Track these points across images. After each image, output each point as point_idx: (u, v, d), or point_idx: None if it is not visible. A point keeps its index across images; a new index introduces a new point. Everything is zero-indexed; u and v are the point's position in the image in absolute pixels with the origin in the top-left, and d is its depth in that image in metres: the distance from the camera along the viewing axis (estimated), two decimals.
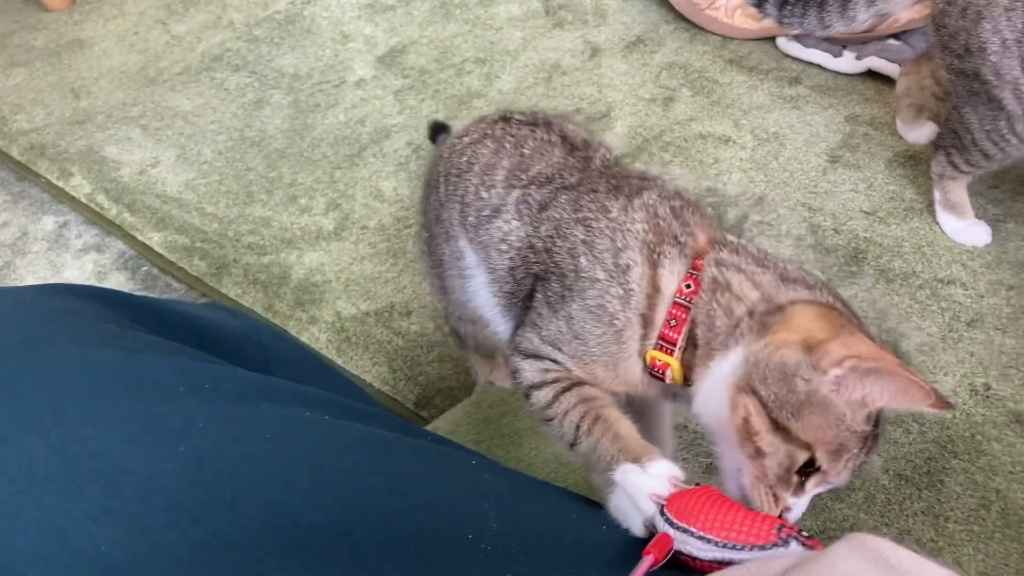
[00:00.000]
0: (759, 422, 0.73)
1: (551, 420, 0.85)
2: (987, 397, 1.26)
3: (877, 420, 0.74)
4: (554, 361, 0.87)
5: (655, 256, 0.82)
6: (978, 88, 1.29)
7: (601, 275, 0.83)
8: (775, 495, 0.74)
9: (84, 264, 1.68)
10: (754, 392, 0.73)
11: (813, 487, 0.74)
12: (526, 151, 0.99)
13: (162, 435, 0.61)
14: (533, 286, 0.91)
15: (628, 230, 0.84)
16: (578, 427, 0.83)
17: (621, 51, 1.95)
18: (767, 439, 0.72)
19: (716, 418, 0.78)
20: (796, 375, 0.72)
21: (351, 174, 1.74)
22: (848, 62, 1.80)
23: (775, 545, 0.60)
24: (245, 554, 0.56)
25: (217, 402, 0.64)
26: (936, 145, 1.44)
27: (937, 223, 1.48)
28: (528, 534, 0.62)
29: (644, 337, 0.83)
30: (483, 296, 1.00)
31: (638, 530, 0.67)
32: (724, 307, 0.79)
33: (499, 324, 0.99)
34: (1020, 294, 1.37)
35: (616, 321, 0.83)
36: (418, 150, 1.76)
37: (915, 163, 1.59)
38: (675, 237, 0.83)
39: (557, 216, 0.89)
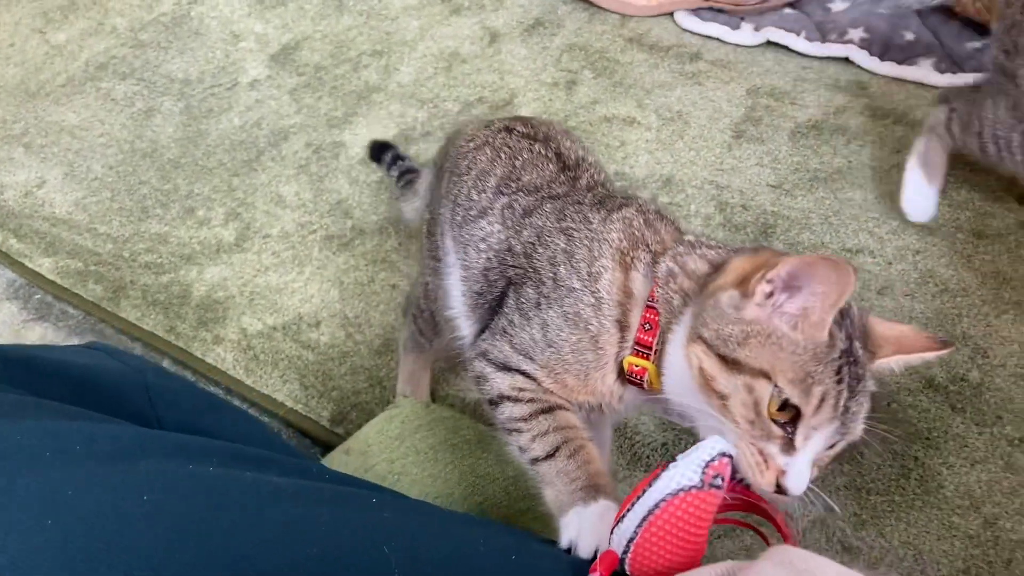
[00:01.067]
0: (710, 364, 0.72)
1: (520, 433, 0.85)
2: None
3: (851, 353, 0.72)
4: (525, 375, 0.87)
5: (627, 261, 0.83)
6: (1011, 90, 1.25)
7: (577, 284, 0.84)
8: (762, 454, 0.70)
9: None
10: (700, 338, 0.74)
11: (804, 440, 0.70)
12: (519, 162, 1.02)
13: (27, 508, 0.56)
14: (505, 291, 0.92)
15: (604, 239, 0.85)
16: (556, 449, 0.83)
17: (520, 35, 1.91)
18: (722, 379, 0.72)
19: (682, 387, 0.77)
20: (730, 308, 0.73)
21: (250, 181, 1.68)
22: (747, 34, 1.80)
23: None
24: None
25: (89, 465, 0.60)
26: (946, 98, 1.42)
27: (842, 193, 1.49)
28: (433, 573, 0.59)
29: (621, 342, 0.84)
30: (454, 294, 1.01)
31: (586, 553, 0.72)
32: (677, 289, 0.80)
33: (463, 325, 1.00)
34: (927, 258, 1.38)
35: (591, 327, 0.83)
36: (318, 151, 1.71)
37: (818, 132, 1.60)
38: (647, 245, 0.84)
39: (540, 224, 0.91)
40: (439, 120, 1.74)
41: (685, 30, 1.86)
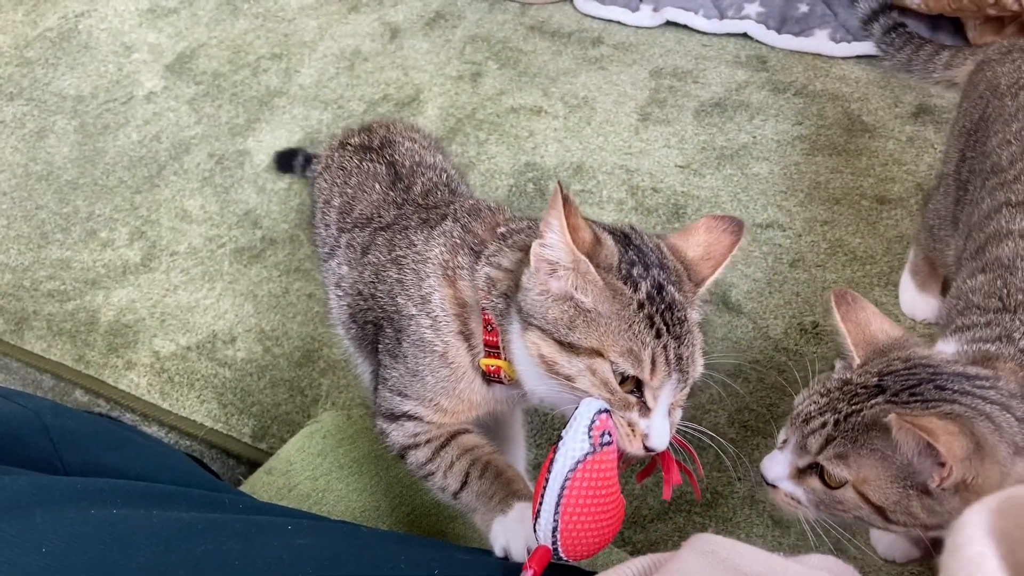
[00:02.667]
0: (549, 349, 0.72)
1: (432, 475, 0.85)
2: (816, 335, 1.29)
3: (662, 299, 0.71)
4: (409, 417, 0.86)
5: (451, 275, 0.82)
6: (964, 177, 1.10)
7: (414, 310, 0.83)
8: (628, 423, 0.71)
9: None
10: (532, 327, 0.73)
11: (654, 400, 0.71)
12: (350, 189, 1.01)
13: None
14: (376, 336, 0.91)
15: (427, 259, 0.84)
16: (467, 475, 0.83)
17: (422, 29, 1.89)
18: (564, 362, 0.71)
19: (533, 375, 0.76)
20: (534, 288, 0.72)
21: (153, 197, 1.63)
22: (646, 16, 1.80)
23: None
24: None
25: None
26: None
27: (749, 169, 1.51)
28: None
29: (471, 350, 0.83)
30: (340, 333, 1.01)
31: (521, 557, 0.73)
32: (498, 293, 0.78)
33: (359, 366, 1.00)
34: (834, 228, 1.41)
35: (436, 347, 0.82)
36: (222, 161, 1.66)
37: (721, 110, 1.62)
38: (468, 248, 0.83)
39: (375, 260, 0.91)
40: (345, 121, 1.71)
41: (585, 15, 1.86)
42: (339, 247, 0.98)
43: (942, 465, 0.69)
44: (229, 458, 1.28)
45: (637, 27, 1.81)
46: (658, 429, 0.71)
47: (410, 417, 0.86)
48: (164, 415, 1.29)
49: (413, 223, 0.90)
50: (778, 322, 1.31)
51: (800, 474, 0.79)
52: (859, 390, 0.77)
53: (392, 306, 0.86)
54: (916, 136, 1.52)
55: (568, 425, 0.68)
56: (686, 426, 0.80)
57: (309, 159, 1.48)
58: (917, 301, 1.27)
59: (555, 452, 0.67)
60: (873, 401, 0.75)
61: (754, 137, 1.57)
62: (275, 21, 1.97)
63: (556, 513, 0.66)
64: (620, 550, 1.03)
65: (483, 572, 0.70)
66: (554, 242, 0.69)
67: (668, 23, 1.80)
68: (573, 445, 0.66)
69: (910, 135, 1.52)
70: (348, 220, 0.99)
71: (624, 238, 0.74)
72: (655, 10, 1.80)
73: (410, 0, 1.96)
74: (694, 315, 0.74)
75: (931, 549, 0.89)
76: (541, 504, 0.66)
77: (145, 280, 1.48)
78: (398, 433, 0.87)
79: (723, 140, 1.57)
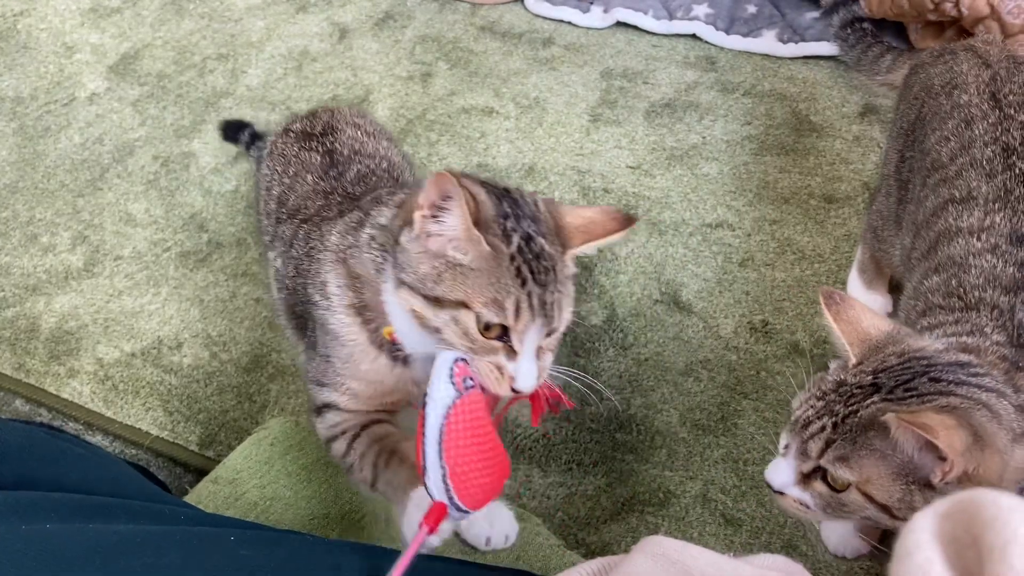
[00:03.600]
0: (419, 304, 0.75)
1: (351, 468, 0.86)
2: (766, 333, 1.30)
3: (531, 251, 0.74)
4: (328, 406, 0.88)
5: (343, 255, 0.85)
6: (904, 176, 1.11)
7: (318, 297, 0.86)
8: (497, 366, 0.75)
9: None
10: (404, 284, 0.76)
11: (520, 344, 0.75)
12: (287, 178, 1.03)
13: None
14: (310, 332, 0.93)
15: (326, 247, 0.87)
16: (375, 465, 0.84)
17: (371, 29, 1.87)
18: (431, 316, 0.75)
19: (408, 331, 0.80)
20: (411, 246, 0.75)
21: (96, 200, 1.59)
22: (596, 17, 1.81)
23: None
24: None
25: None
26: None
27: (699, 169, 1.52)
28: None
29: (365, 323, 0.84)
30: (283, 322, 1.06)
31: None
32: (377, 247, 0.81)
33: (303, 358, 1.01)
34: (783, 227, 1.42)
35: (332, 326, 0.85)
36: (167, 163, 1.63)
37: (671, 111, 1.62)
38: (361, 224, 0.85)
39: (296, 254, 0.93)
40: None
41: (536, 15, 1.85)
42: (275, 238, 1.00)
43: (943, 460, 0.70)
44: (176, 466, 1.25)
45: (588, 28, 1.81)
46: (524, 371, 0.75)
47: (328, 407, 0.88)
48: (108, 423, 1.26)
49: (331, 214, 0.92)
50: (728, 321, 1.32)
51: (805, 479, 0.80)
52: (855, 390, 0.77)
53: (306, 297, 0.88)
54: (863, 135, 1.54)
55: (430, 381, 0.71)
56: (568, 372, 0.85)
57: (256, 137, 1.46)
58: (865, 299, 1.29)
59: (424, 408, 0.69)
60: (869, 400, 0.75)
61: (704, 137, 1.57)
62: (221, 21, 1.94)
63: (440, 460, 0.67)
64: (573, 552, 1.03)
65: None
66: (453, 224, 0.72)
67: (619, 24, 1.80)
68: (439, 394, 0.69)
69: (856, 134, 1.54)
70: (284, 210, 1.01)
71: (503, 192, 0.78)
72: (605, 11, 1.80)
73: (360, 1, 1.95)
74: (564, 268, 0.77)
75: (879, 546, 0.90)
76: (425, 459, 0.67)
77: (88, 285, 1.45)
78: (322, 425, 0.88)
79: (673, 141, 1.57)
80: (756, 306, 1.33)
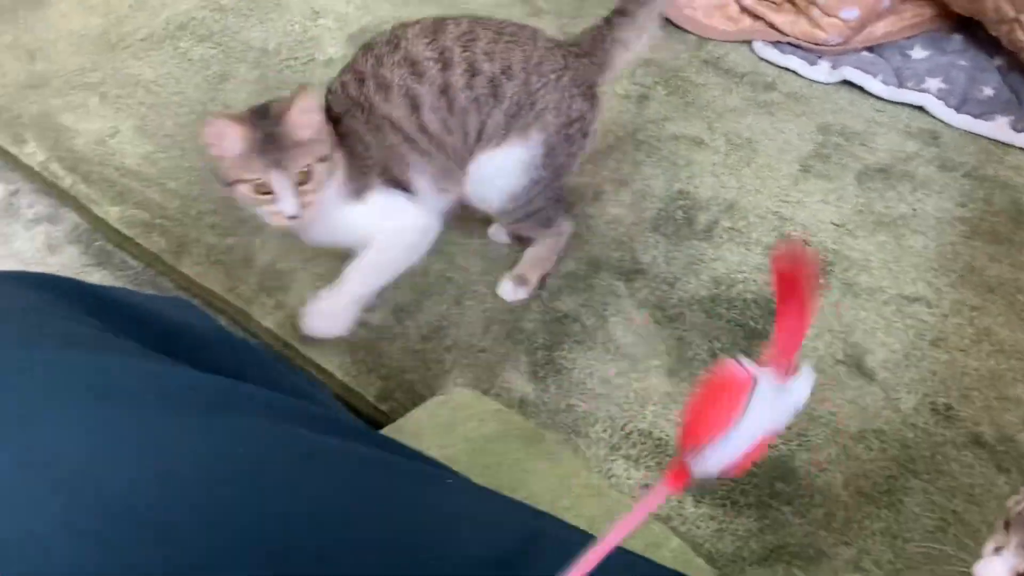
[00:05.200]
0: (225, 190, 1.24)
1: None
2: (948, 417, 1.27)
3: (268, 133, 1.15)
4: None
5: None
6: None
7: None
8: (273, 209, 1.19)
9: (35, 235, 1.61)
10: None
11: (276, 187, 1.15)
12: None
13: (128, 447, 0.58)
14: None
15: None
16: None
17: None
18: (236, 196, 1.22)
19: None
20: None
21: None
22: (823, 71, 1.80)
23: None
24: None
25: (187, 412, 0.61)
26: None
27: (904, 240, 1.50)
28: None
29: None
30: None
31: None
32: None
33: None
34: (983, 315, 1.38)
35: None
36: None
37: (885, 176, 1.60)
38: None
39: None
40: None
41: (762, 59, 1.86)
42: None
43: None
44: (350, 413, 1.32)
45: (812, 80, 1.81)
46: (282, 201, 1.16)
47: None
48: (298, 356, 1.35)
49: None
50: (910, 397, 1.29)
51: None
52: None
53: None
54: None
55: None
56: None
57: None
58: None
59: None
60: None
61: (914, 209, 1.55)
62: (457, 11, 2.03)
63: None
64: None
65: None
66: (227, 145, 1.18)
67: (844, 82, 1.79)
68: None
69: None
70: None
71: (261, 108, 1.20)
72: (833, 67, 1.80)
73: (590, 17, 2.00)
74: (287, 137, 1.16)
75: None
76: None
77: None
78: None
79: (882, 206, 1.55)
80: (942, 388, 1.30)
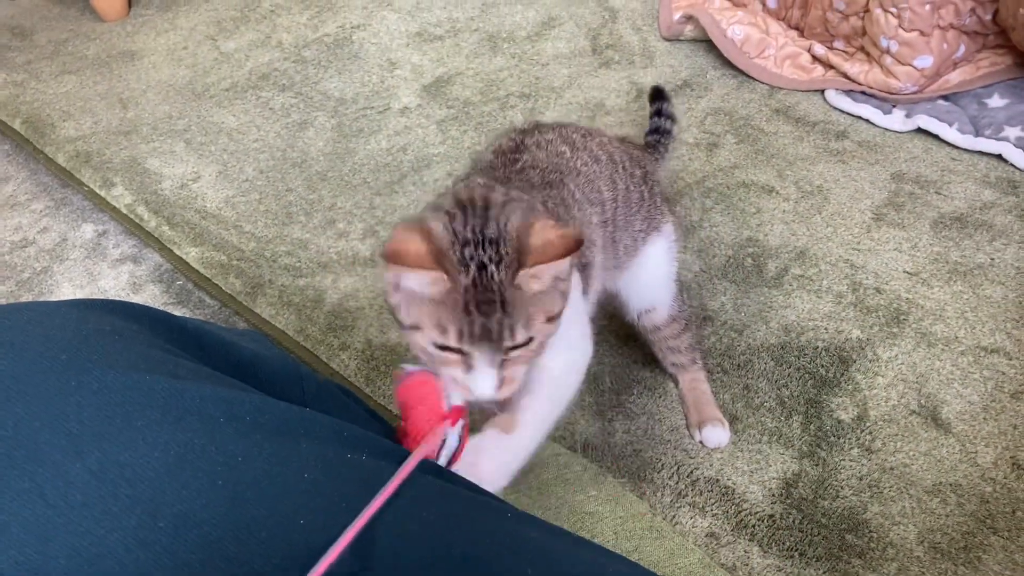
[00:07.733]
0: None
1: None
2: None
3: (481, 282, 0.78)
4: None
5: None
6: None
7: None
8: (452, 378, 0.84)
9: (120, 274, 1.68)
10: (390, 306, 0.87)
11: (473, 360, 0.81)
12: None
13: (201, 467, 0.59)
14: None
15: None
16: None
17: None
18: (407, 336, 0.84)
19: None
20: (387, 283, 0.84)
21: (390, 201, 1.74)
22: (897, 120, 1.78)
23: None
24: None
25: (256, 436, 0.63)
26: None
27: (981, 290, 1.46)
28: None
29: None
30: None
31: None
32: None
33: None
34: None
35: None
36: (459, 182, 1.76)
37: (961, 225, 1.57)
38: None
39: None
40: None
41: (834, 108, 1.85)
42: None
43: None
44: None
45: (885, 129, 1.79)
46: (476, 382, 0.83)
47: None
48: (365, 399, 1.37)
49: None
50: (989, 451, 1.25)
51: None
52: None
53: None
54: None
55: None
56: None
57: (661, 113, 1.53)
58: None
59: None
60: None
61: (992, 259, 1.51)
62: (529, 64, 2.07)
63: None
64: None
65: None
66: (414, 279, 0.80)
67: (919, 130, 1.77)
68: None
69: None
70: None
71: (470, 210, 0.82)
72: (907, 116, 1.78)
73: (661, 65, 2.02)
74: (516, 292, 0.80)
75: None
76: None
77: (371, 274, 1.58)
78: None
79: (958, 255, 1.52)
80: (1023, 442, 1.26)
